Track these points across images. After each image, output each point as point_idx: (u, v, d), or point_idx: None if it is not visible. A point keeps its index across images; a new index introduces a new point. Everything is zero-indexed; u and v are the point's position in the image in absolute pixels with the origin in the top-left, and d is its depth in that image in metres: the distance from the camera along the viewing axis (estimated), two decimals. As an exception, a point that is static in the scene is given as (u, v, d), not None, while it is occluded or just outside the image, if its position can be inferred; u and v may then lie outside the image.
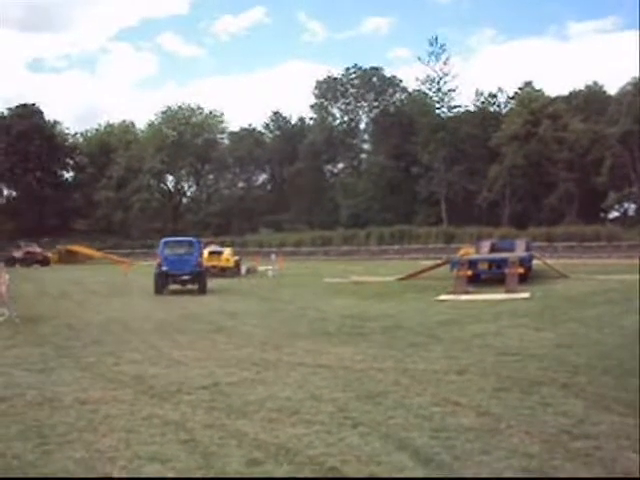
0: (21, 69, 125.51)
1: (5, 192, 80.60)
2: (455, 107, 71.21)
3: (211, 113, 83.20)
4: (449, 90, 69.53)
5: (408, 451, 6.33)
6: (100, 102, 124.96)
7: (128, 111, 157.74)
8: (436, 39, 68.52)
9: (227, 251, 37.53)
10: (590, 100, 68.75)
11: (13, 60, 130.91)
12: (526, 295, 21.27)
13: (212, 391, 9.00)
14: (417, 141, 68.68)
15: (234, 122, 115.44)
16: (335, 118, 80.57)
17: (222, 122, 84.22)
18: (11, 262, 49.60)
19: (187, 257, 26.48)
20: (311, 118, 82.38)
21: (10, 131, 72.85)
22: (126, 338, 14.23)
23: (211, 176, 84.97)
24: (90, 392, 9.10)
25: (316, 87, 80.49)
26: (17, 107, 76.14)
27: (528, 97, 66.59)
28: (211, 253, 35.25)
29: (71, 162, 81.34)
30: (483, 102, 73.42)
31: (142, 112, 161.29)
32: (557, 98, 67.98)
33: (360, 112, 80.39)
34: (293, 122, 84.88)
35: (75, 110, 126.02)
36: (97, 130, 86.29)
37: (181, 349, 12.65)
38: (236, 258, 37.46)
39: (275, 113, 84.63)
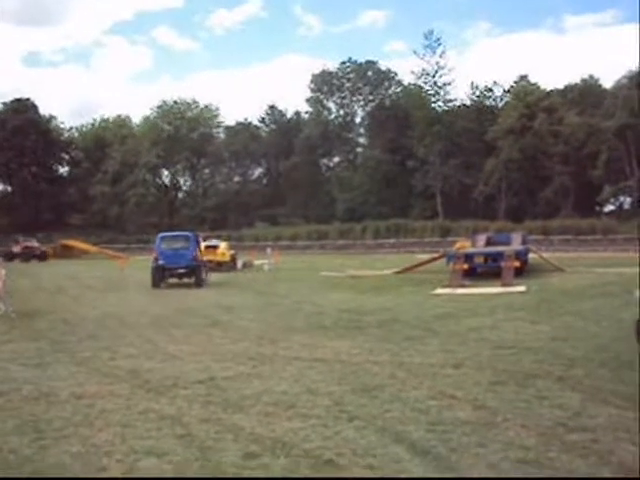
0: (16, 63, 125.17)
1: (0, 187, 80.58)
2: (451, 101, 71.23)
3: (207, 107, 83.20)
4: (444, 84, 69.53)
5: (404, 444, 6.34)
6: (95, 96, 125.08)
7: (123, 105, 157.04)
8: (431, 32, 68.57)
9: (223, 245, 37.48)
10: (586, 93, 68.73)
11: (8, 54, 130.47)
12: (522, 288, 21.29)
13: (208, 385, 9.00)
14: (413, 135, 68.63)
15: (230, 116, 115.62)
16: (331, 112, 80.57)
17: (217, 116, 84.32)
18: (9, 257, 49.54)
19: (183, 251, 26.79)
20: (307, 112, 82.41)
21: (5, 126, 72.71)
22: (122, 333, 14.22)
23: (207, 170, 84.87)
24: (86, 387, 9.10)
25: (312, 81, 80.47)
26: (12, 102, 75.99)
27: (524, 91, 66.55)
28: (207, 247, 35.19)
29: (66, 157, 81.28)
30: (479, 96, 73.39)
31: (137, 106, 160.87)
32: (553, 92, 67.96)
33: (356, 106, 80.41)
34: (289, 116, 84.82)
35: (70, 104, 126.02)
36: (92, 125, 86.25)
37: (177, 343, 12.63)
38: (232, 252, 37.44)
39: (271, 107, 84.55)
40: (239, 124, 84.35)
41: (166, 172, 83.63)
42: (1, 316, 16.99)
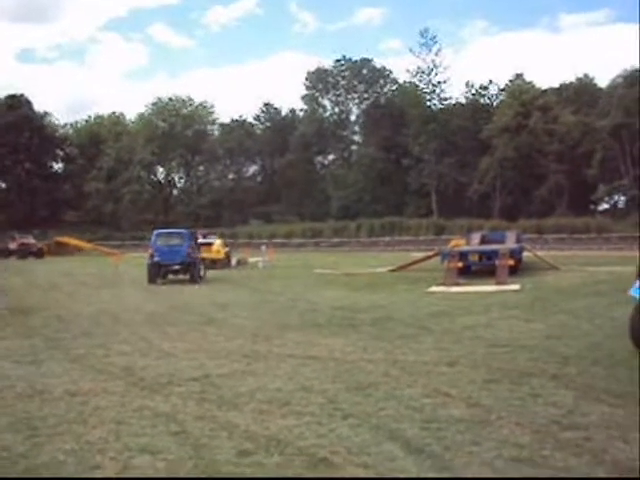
0: (10, 60, 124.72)
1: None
2: (446, 99, 71.37)
3: (201, 104, 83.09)
4: (440, 82, 69.63)
5: (399, 442, 6.34)
6: (90, 93, 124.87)
7: (118, 102, 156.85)
8: (427, 30, 68.63)
9: (217, 242, 37.41)
10: (581, 92, 68.88)
11: (2, 51, 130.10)
12: (516, 287, 21.32)
13: (203, 383, 8.99)
14: (408, 133, 68.72)
15: (225, 113, 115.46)
16: (326, 110, 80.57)
17: (212, 113, 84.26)
18: (6, 254, 49.46)
19: (178, 248, 27.14)
20: (302, 109, 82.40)
21: (-1, 122, 72.50)
22: (116, 330, 14.20)
23: (201, 167, 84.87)
24: (80, 384, 9.08)
25: (307, 78, 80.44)
26: (6, 98, 75.72)
27: (519, 89, 66.69)
28: (201, 244, 35.13)
29: (61, 153, 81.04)
30: (474, 94, 73.52)
31: (132, 103, 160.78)
32: (548, 90, 68.08)
33: (351, 104, 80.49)
34: (284, 113, 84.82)
35: (65, 101, 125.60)
36: (87, 121, 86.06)
37: (171, 341, 12.62)
38: (227, 250, 37.38)
39: (266, 104, 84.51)
40: (234, 121, 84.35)
41: (161, 169, 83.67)
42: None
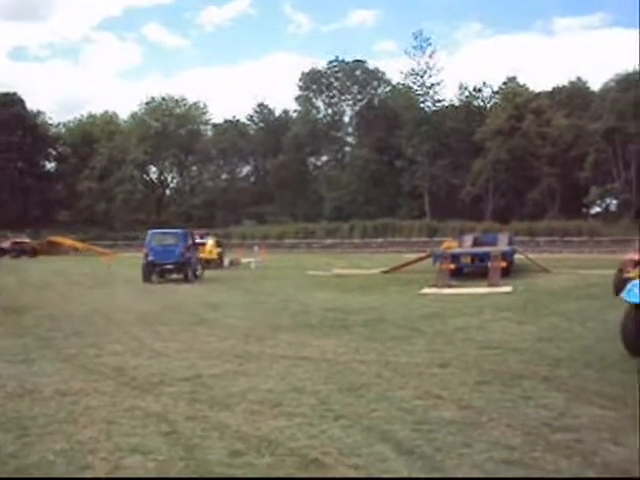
0: (2, 57, 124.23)
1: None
2: (439, 101, 71.30)
3: (195, 104, 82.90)
4: (433, 84, 69.63)
5: (390, 443, 6.35)
6: (83, 92, 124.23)
7: (111, 101, 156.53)
8: (420, 32, 68.60)
9: (210, 242, 37.35)
10: (573, 96, 69.02)
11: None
12: (508, 289, 21.36)
13: (194, 383, 8.98)
14: (401, 134, 68.66)
15: (218, 114, 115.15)
16: (319, 111, 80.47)
17: (206, 113, 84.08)
18: (0, 253, 49.30)
19: (172, 248, 27.60)
20: (295, 110, 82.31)
21: (-9, 120, 72.18)
22: (108, 329, 14.18)
23: (194, 168, 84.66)
24: (71, 383, 9.06)
25: (301, 79, 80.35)
26: (-1, 96, 75.46)
27: (512, 92, 66.75)
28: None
29: (54, 152, 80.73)
30: (467, 96, 73.50)
31: (125, 102, 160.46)
32: (541, 93, 68.22)
33: (344, 105, 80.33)
34: (277, 114, 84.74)
35: (57, 100, 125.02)
36: (80, 120, 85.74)
37: (163, 341, 12.61)
38: (219, 250, 37.31)
39: (259, 105, 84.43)
40: (227, 121, 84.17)
41: (154, 169, 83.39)
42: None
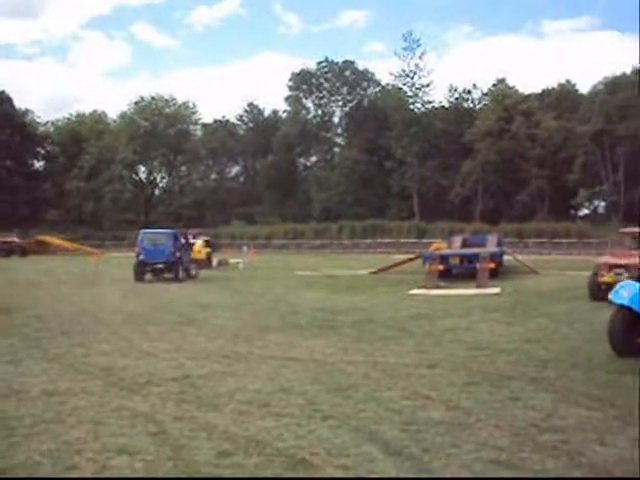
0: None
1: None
2: (429, 102, 71.37)
3: (184, 104, 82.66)
4: (423, 85, 69.67)
5: (378, 444, 6.35)
6: (72, 91, 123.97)
7: (100, 100, 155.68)
8: (410, 34, 68.63)
9: (198, 242, 37.27)
10: (562, 98, 69.27)
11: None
12: (497, 290, 21.43)
13: (182, 383, 8.96)
14: (391, 135, 68.68)
15: (208, 114, 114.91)
16: (309, 111, 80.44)
17: (195, 113, 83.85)
18: None
19: (162, 247, 28.02)
20: (285, 111, 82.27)
21: (-21, 119, 71.69)
22: (96, 329, 14.13)
23: (184, 167, 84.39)
24: (58, 383, 9.03)
25: (291, 79, 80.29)
26: (-14, 94, 74.97)
27: (502, 94, 66.93)
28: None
29: (42, 151, 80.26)
30: (457, 98, 73.63)
31: (114, 102, 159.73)
32: (530, 95, 68.43)
33: (334, 105, 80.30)
34: (267, 114, 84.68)
35: (46, 98, 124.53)
36: (68, 119, 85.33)
37: (152, 341, 12.58)
38: (208, 250, 37.23)
39: (249, 105, 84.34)
40: (217, 121, 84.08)
41: (143, 168, 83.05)
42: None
